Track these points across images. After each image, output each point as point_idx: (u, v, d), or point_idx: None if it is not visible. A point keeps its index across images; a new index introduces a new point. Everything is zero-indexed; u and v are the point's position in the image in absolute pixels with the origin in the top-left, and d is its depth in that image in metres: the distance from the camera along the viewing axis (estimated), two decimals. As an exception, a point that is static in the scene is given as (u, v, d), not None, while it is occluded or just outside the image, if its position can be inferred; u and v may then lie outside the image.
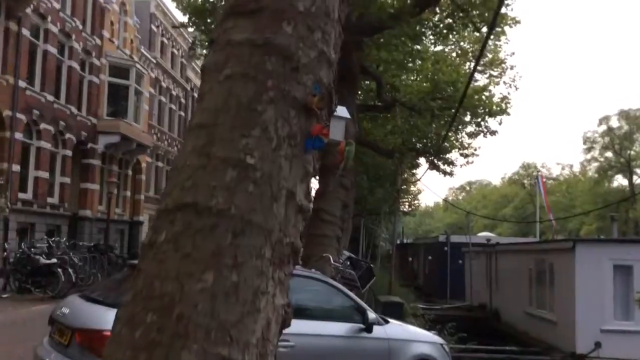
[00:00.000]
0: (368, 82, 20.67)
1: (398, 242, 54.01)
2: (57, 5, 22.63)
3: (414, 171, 40.13)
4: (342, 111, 6.31)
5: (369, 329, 5.22)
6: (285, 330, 5.17)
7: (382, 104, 20.76)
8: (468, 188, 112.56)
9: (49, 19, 21.94)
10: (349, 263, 9.30)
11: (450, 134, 24.05)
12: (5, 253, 15.73)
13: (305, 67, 2.71)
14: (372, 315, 5.34)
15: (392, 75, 18.43)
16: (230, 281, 2.35)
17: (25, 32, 20.32)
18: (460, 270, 24.83)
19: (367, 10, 12.57)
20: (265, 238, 2.47)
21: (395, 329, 5.74)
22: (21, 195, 20.34)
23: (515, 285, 18.28)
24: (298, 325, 5.13)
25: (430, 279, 31.25)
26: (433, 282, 29.73)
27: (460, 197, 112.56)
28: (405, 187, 43.05)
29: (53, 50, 22.48)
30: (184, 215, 2.42)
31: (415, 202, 54.42)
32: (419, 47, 18.67)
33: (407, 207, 52.20)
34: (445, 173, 26.02)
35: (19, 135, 19.97)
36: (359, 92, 22.70)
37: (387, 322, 5.78)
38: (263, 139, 2.54)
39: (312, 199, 2.75)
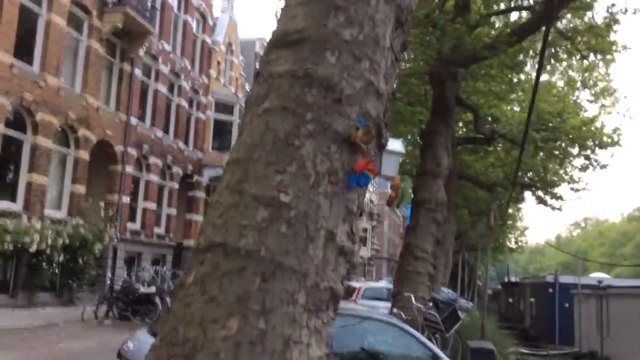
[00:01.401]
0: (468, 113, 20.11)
1: (504, 281, 51.51)
2: (168, 47, 24.13)
3: (520, 205, 38.40)
4: (395, 145, 5.98)
5: (443, 379, 4.83)
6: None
7: (481, 136, 20.08)
8: (583, 224, 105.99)
9: (160, 59, 23.42)
10: (431, 304, 8.80)
11: (557, 167, 22.78)
12: (109, 281, 16.63)
13: (350, 98, 2.54)
14: (447, 363, 4.94)
15: (491, 107, 17.77)
16: (256, 329, 2.18)
17: (138, 72, 21.79)
18: (569, 314, 23.10)
19: (461, 41, 12.23)
20: (299, 282, 2.29)
21: (475, 380, 5.30)
22: (130, 226, 21.55)
23: (631, 332, 16.67)
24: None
25: (536, 321, 29.31)
26: (540, 326, 27.85)
27: (575, 234, 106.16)
28: (511, 222, 41.18)
29: (163, 89, 23.92)
30: (213, 256, 2.30)
31: (522, 238, 51.94)
32: (520, 76, 17.95)
33: (513, 243, 49.90)
34: (553, 208, 24.60)
35: (129, 169, 21.27)
36: (460, 124, 22.14)
37: (465, 371, 5.35)
38: (299, 175, 2.38)
39: (356, 239, 2.54)
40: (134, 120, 21.44)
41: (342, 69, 2.56)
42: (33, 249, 14.90)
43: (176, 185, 25.06)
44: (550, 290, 25.85)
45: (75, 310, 15.68)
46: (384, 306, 12.38)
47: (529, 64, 16.60)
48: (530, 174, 24.43)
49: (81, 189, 18.67)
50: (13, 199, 15.96)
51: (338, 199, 2.48)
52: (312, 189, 2.40)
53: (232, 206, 2.38)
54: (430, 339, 7.69)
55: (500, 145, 21.39)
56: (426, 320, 8.54)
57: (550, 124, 18.23)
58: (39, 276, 15.62)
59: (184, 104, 26.10)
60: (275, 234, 2.31)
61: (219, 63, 29.87)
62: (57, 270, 16.24)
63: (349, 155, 2.52)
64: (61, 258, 16.21)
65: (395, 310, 9.49)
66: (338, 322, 5.13)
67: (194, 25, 26.97)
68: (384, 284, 20.69)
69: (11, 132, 15.81)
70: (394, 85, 2.90)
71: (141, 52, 21.68)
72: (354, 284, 21.42)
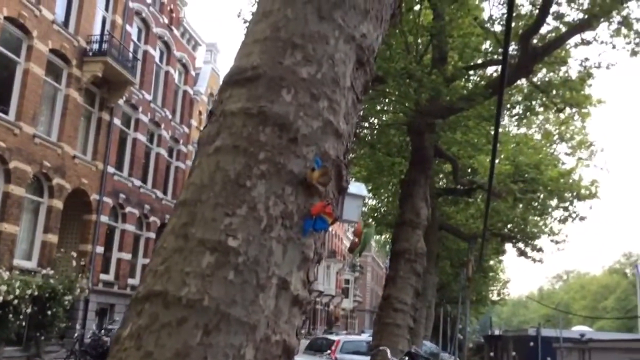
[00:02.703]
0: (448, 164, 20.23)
1: (487, 333, 50.89)
2: (149, 97, 24.17)
3: (501, 258, 38.34)
4: (357, 188, 5.83)
5: None
6: None
7: (460, 187, 20.15)
8: (565, 277, 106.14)
9: (140, 109, 23.40)
10: (406, 359, 8.53)
11: (537, 219, 22.86)
12: (79, 334, 16.04)
13: (306, 138, 2.42)
14: None
15: (469, 157, 17.90)
16: (195, 389, 1.98)
17: (117, 121, 21.70)
18: (553, 368, 22.78)
19: (438, 92, 12.36)
20: (246, 335, 2.10)
21: None
22: (103, 277, 20.99)
23: (615, 387, 16.36)
24: None
25: (521, 375, 28.87)
26: (525, 379, 27.40)
27: (557, 286, 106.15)
28: (492, 274, 41.02)
29: (142, 138, 23.82)
30: (151, 307, 2.10)
31: (505, 290, 51.66)
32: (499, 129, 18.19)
33: (495, 295, 49.58)
34: (534, 260, 24.55)
35: (104, 218, 20.88)
36: (440, 176, 22.25)
37: None
38: (250, 218, 2.22)
39: (312, 289, 2.35)
40: (110, 169, 21.20)
41: (298, 108, 2.45)
42: (-1, 300, 14.37)
43: (153, 235, 24.64)
44: (532, 343, 25.55)
45: (42, 365, 15.05)
46: (362, 361, 12.01)
47: (505, 117, 16.86)
48: (510, 225, 24.48)
49: (53, 238, 18.22)
50: (-19, 248, 15.50)
51: (292, 245, 2.32)
52: (264, 233, 2.24)
53: (176, 251, 2.20)
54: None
55: (480, 196, 21.47)
56: (403, 376, 8.25)
57: (527, 175, 18.37)
58: (4, 329, 14.99)
59: (164, 153, 25.96)
60: (221, 281, 2.13)
61: (200, 113, 29.96)
62: (24, 323, 15.63)
63: (304, 197, 2.38)
64: (29, 310, 15.63)
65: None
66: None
67: (175, 76, 27.15)
68: (364, 337, 20.22)
69: (-17, 180, 15.51)
70: (355, 127, 2.79)
71: (121, 101, 21.66)
72: (333, 337, 20.94)
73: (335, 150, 2.53)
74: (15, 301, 14.96)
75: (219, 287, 2.11)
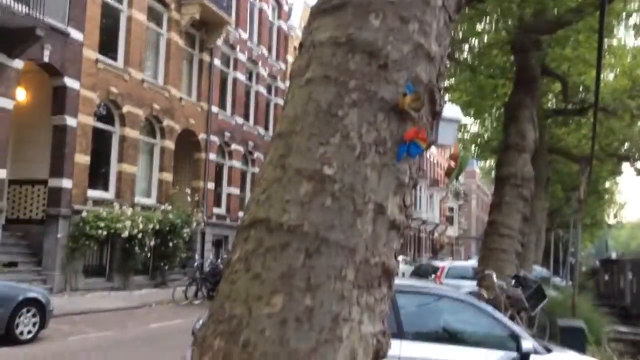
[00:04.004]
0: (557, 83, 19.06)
1: (602, 257, 48.92)
2: (245, 36, 24.51)
3: (617, 179, 36.22)
4: (453, 112, 5.60)
5: (524, 359, 4.57)
6: (423, 355, 4.76)
7: (571, 106, 19.01)
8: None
9: (238, 48, 23.84)
10: (513, 282, 8.41)
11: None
12: (198, 264, 17.29)
13: (397, 63, 2.39)
14: (528, 342, 4.66)
15: (580, 74, 16.72)
16: (302, 306, 2.11)
17: (217, 62, 22.30)
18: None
19: (543, 5, 11.53)
20: (346, 258, 2.19)
21: (560, 359, 4.97)
22: (216, 210, 22.27)
23: None
24: (436, 350, 4.72)
25: (637, 299, 27.67)
26: (641, 303, 26.28)
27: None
28: (608, 196, 38.95)
29: (242, 77, 24.37)
30: (256, 232, 2.24)
31: (622, 213, 49.06)
32: (612, 41, 16.78)
33: (611, 219, 47.25)
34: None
35: (212, 156, 21.91)
36: (549, 96, 21.04)
37: (549, 351, 5.02)
38: (344, 146, 2.27)
39: (409, 213, 2.39)
40: (215, 109, 22.01)
41: (387, 32, 2.41)
42: (125, 234, 15.71)
43: (258, 170, 25.54)
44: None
45: (167, 291, 16.43)
46: (469, 285, 12.05)
47: (622, 27, 15.47)
48: (627, 144, 22.95)
49: (168, 176, 19.44)
50: (105, 188, 16.87)
51: (387, 170, 2.35)
52: (358, 160, 2.29)
53: (275, 181, 2.31)
54: (513, 318, 7.39)
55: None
56: (509, 299, 8.20)
57: (646, 90, 16.96)
58: (132, 260, 16.46)
59: (263, 90, 26.49)
60: (319, 208, 2.21)
61: (295, 48, 29.99)
62: (149, 254, 17.06)
63: (397, 123, 2.38)
64: (152, 242, 16.99)
65: (477, 289, 9.18)
66: (414, 300, 5.03)
67: (269, 12, 27.22)
68: (470, 263, 20.18)
69: (101, 125, 16.66)
70: (448, 48, 2.72)
71: (219, 41, 22.15)
72: (438, 263, 21.08)
73: (428, 74, 2.48)
74: (140, 235, 16.30)
75: (317, 213, 2.20)
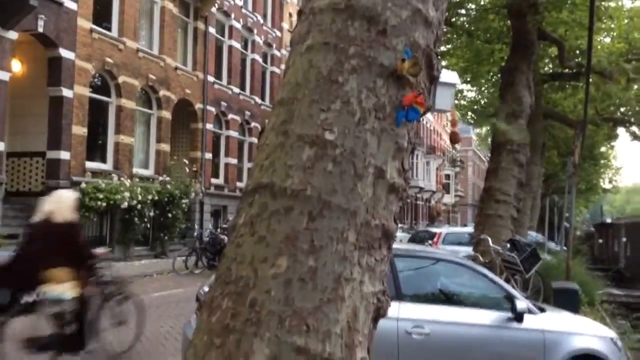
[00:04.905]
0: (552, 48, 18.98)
1: (596, 222, 49.33)
2: (240, 2, 24.22)
3: (612, 143, 36.27)
4: (449, 77, 5.63)
5: (518, 319, 4.71)
6: (420, 317, 4.89)
7: (568, 70, 18.97)
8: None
9: (233, 15, 23.58)
10: (508, 246, 8.57)
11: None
12: (198, 234, 17.44)
13: (395, 29, 2.43)
14: (522, 303, 4.79)
15: (577, 38, 16.65)
16: (306, 267, 2.20)
17: (212, 30, 22.09)
18: (669, 254, 21.97)
19: (540, -32, 11.44)
20: (348, 220, 2.27)
21: (554, 319, 5.09)
22: (214, 181, 22.35)
23: None
24: (433, 311, 4.85)
25: (631, 262, 28.08)
26: (635, 266, 26.66)
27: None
28: (603, 161, 39.07)
29: (237, 45, 24.17)
30: (261, 197, 2.31)
31: (617, 177, 49.26)
32: (609, 3, 16.67)
33: (607, 183, 47.47)
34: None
35: (209, 126, 21.88)
36: (546, 60, 20.95)
37: (543, 311, 5.18)
38: (344, 112, 2.32)
39: (408, 177, 2.46)
40: (210, 78, 21.89)
41: (386, -1, 2.44)
42: (124, 205, 15.79)
43: (255, 140, 25.54)
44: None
45: (167, 261, 16.60)
46: (465, 251, 12.21)
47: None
48: (623, 108, 22.97)
49: (166, 147, 19.45)
50: (103, 159, 16.89)
51: (386, 135, 2.41)
52: (358, 125, 2.35)
53: (277, 147, 2.37)
54: (508, 281, 7.55)
55: (590, 79, 20.12)
56: (505, 262, 8.36)
57: (643, 53, 16.91)
58: (132, 231, 16.58)
59: (259, 58, 26.29)
60: (321, 172, 2.28)
61: (290, 15, 29.70)
62: (148, 225, 17.17)
63: (396, 89, 2.43)
64: (151, 213, 17.09)
65: (472, 253, 9.34)
66: (412, 264, 5.14)
67: (263, -23, 26.85)
68: (466, 229, 20.39)
69: (97, 96, 16.59)
70: (445, 12, 2.75)
71: (213, 9, 21.90)
72: (435, 229, 21.28)
73: (425, 39, 2.52)
74: (139, 206, 16.39)
75: (319, 177, 2.27)
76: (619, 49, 16.76)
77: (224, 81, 23.29)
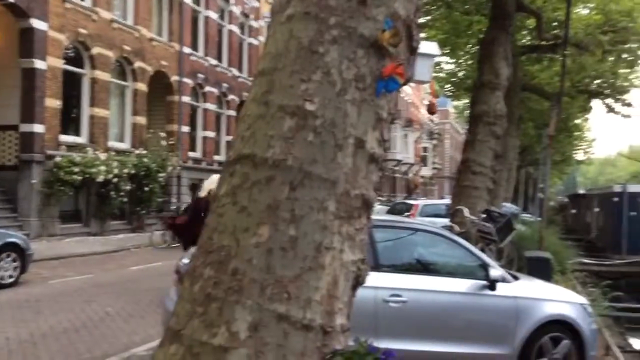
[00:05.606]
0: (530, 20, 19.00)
1: (570, 193, 50.21)
2: (216, -28, 23.75)
3: (587, 116, 36.70)
4: (429, 47, 5.67)
5: (492, 286, 4.84)
6: (398, 285, 4.99)
7: (545, 42, 19.03)
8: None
9: (209, -15, 23.14)
10: (484, 216, 8.73)
11: (627, 71, 21.47)
12: (176, 207, 17.37)
13: (376, -1, 2.43)
14: (496, 271, 4.92)
15: (555, 10, 16.69)
16: (287, 236, 2.23)
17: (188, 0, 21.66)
18: (637, 223, 22.47)
19: (518, -61, 11.40)
20: (328, 190, 2.30)
21: (526, 286, 5.24)
22: (191, 154, 22.19)
23: None
24: (411, 280, 4.95)
25: (602, 232, 28.74)
26: (606, 236, 27.30)
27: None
28: (578, 133, 39.59)
29: (214, 15, 23.77)
30: (242, 167, 2.33)
31: (591, 149, 50.02)
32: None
33: (581, 155, 48.21)
34: (623, 116, 23.38)
35: (186, 99, 21.62)
36: (523, 32, 20.97)
37: (516, 279, 5.32)
38: (325, 83, 2.33)
39: (387, 147, 2.49)
40: (187, 50, 21.55)
41: (366, -32, 2.43)
42: (100, 179, 15.64)
43: (233, 113, 25.34)
44: (617, 199, 25.09)
45: (144, 235, 16.56)
46: (442, 222, 12.39)
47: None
48: (598, 81, 23.17)
49: (142, 120, 19.21)
50: (78, 133, 16.64)
51: (366, 106, 2.43)
52: (339, 96, 2.36)
53: (259, 118, 2.38)
54: (484, 250, 7.70)
55: (567, 51, 20.24)
56: (480, 232, 8.51)
57: (618, 25, 17.03)
58: (108, 205, 16.46)
59: (236, 29, 25.92)
60: (302, 143, 2.30)
61: (268, -16, 29.24)
62: (125, 199, 17.04)
63: (376, 60, 2.44)
64: (128, 187, 16.94)
65: (449, 224, 9.49)
66: (390, 234, 5.21)
67: (240, -54, 26.31)
68: (443, 201, 20.64)
69: (71, 68, 16.26)
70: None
71: (189, -22, 21.47)
72: (412, 202, 21.48)
73: (405, 9, 2.53)
74: (115, 180, 16.24)
75: (300, 147, 2.29)
76: (595, 20, 16.86)
77: (201, 53, 22.96)
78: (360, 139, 2.45)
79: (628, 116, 23.28)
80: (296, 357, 2.11)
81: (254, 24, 27.65)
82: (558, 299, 5.25)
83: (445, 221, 10.79)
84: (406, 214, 16.90)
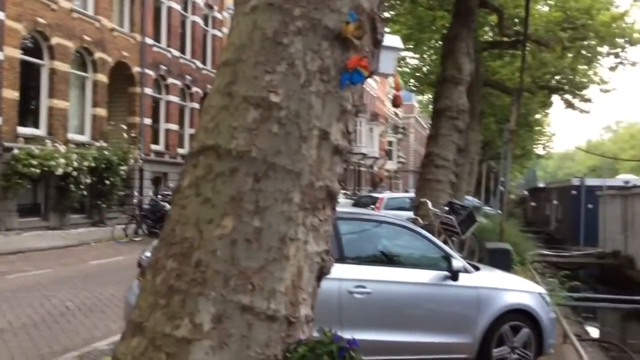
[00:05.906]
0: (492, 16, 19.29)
1: (530, 187, 51.34)
2: (178, -39, 23.38)
3: (547, 111, 37.55)
4: (393, 41, 5.73)
5: (454, 277, 4.94)
6: (362, 277, 5.03)
7: (506, 39, 19.36)
8: (615, 127, 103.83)
9: (171, -25, 22.76)
10: (447, 209, 8.88)
11: (586, 68, 22.01)
12: (137, 201, 17.09)
13: (340, -9, 2.44)
14: (458, 262, 5.03)
15: (516, 6, 16.99)
16: (251, 227, 2.23)
17: (150, -10, 21.28)
18: (594, 215, 23.19)
19: None
20: (292, 182, 2.31)
21: (487, 277, 5.38)
22: (153, 147, 21.86)
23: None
24: (375, 272, 5.01)
25: (561, 224, 29.55)
26: (564, 228, 28.07)
27: (606, 137, 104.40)
28: (538, 128, 40.45)
29: (177, 6, 23.40)
30: (206, 159, 2.32)
31: (550, 144, 51.19)
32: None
33: (541, 149, 49.29)
34: (582, 111, 23.98)
35: (148, 90, 21.27)
36: (486, 28, 21.28)
37: (477, 269, 5.45)
38: (289, 74, 2.34)
39: (351, 139, 2.50)
40: (149, 41, 21.19)
41: (330, -40, 2.44)
42: (59, 172, 15.28)
43: (197, 105, 25.04)
44: (575, 192, 25.79)
45: (106, 230, 16.27)
46: (406, 215, 12.52)
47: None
48: (558, 77, 23.68)
49: (102, 112, 18.82)
50: (36, 124, 16.20)
51: (331, 98, 2.44)
52: (303, 88, 2.36)
53: (222, 109, 2.37)
54: (446, 242, 7.83)
55: (528, 47, 20.63)
56: (443, 224, 8.65)
57: (577, 22, 17.43)
58: (68, 198, 16.10)
59: (199, 21, 25.60)
60: (266, 134, 2.30)
61: (232, -24, 28.97)
62: (85, 192, 16.68)
63: (340, 52, 2.45)
64: (88, 180, 16.60)
65: (413, 216, 9.60)
66: (355, 227, 5.24)
67: None
68: (407, 194, 20.86)
69: (29, 58, 15.81)
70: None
71: (151, -32, 21.08)
72: (377, 195, 21.65)
73: (369, 2, 2.54)
74: (75, 173, 15.88)
75: (264, 139, 2.29)
76: (555, 17, 17.22)
77: (163, 44, 22.60)
78: (324, 130, 2.46)
79: (586, 112, 23.92)
80: (260, 348, 2.11)
81: (218, 15, 27.35)
82: (518, 289, 5.39)
83: (410, 214, 10.90)
84: (371, 207, 17.01)
